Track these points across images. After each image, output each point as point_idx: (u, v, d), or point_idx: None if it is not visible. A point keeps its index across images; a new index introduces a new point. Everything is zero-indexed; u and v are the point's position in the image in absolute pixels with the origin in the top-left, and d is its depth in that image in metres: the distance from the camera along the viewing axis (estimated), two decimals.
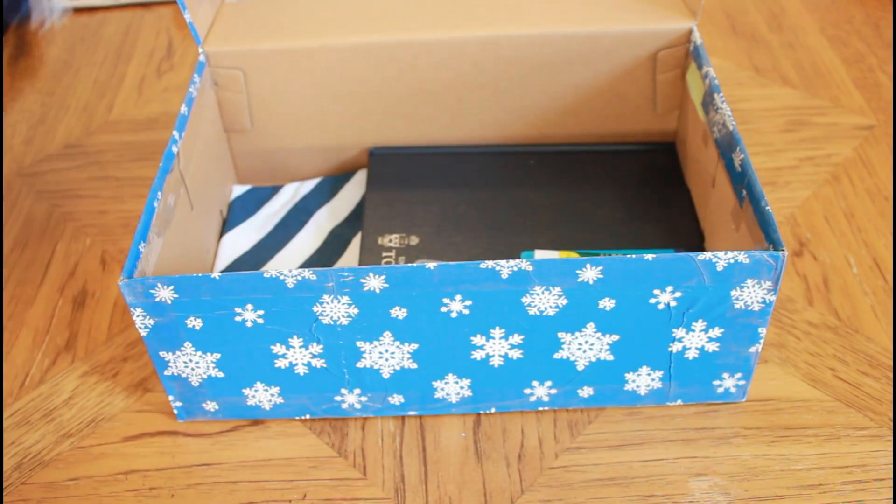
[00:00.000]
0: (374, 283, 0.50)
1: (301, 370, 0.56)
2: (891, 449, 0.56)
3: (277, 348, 0.54)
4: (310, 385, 0.57)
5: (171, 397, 0.58)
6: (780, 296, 0.66)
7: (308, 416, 0.59)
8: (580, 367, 0.56)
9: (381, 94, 0.73)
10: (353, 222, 0.72)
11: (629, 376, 0.57)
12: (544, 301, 0.52)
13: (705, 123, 0.64)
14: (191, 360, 0.55)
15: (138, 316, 0.52)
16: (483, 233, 0.68)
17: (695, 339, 0.54)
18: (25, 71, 0.98)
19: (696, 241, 0.67)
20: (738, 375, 0.57)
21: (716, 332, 0.54)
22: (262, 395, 0.57)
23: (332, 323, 0.52)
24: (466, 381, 0.57)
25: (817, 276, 0.68)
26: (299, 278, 0.50)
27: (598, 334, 0.54)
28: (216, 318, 0.52)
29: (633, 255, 0.50)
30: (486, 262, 0.49)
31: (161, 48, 1.00)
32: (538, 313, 0.52)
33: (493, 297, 0.51)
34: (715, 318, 0.53)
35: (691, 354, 0.55)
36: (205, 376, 0.56)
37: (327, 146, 0.76)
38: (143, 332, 0.53)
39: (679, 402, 0.59)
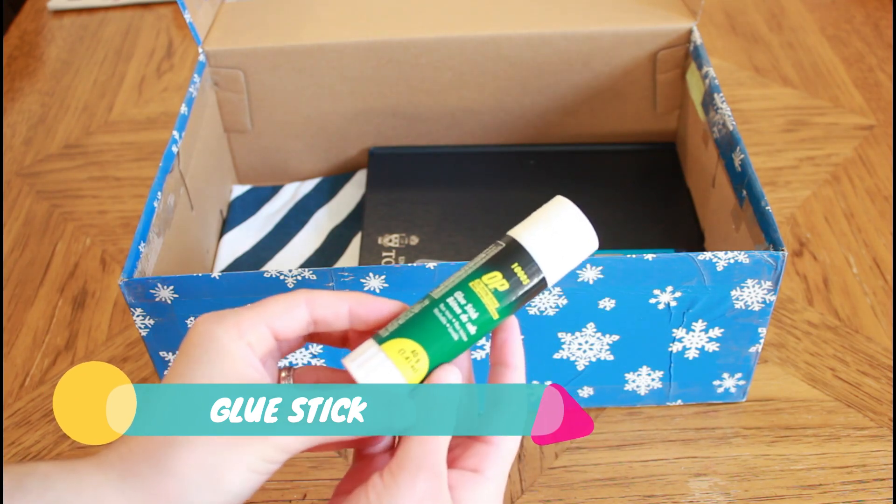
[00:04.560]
0: (374, 283, 0.50)
1: None
2: (891, 449, 0.56)
3: None
4: None
5: None
6: (780, 296, 0.66)
7: None
8: (580, 367, 0.56)
9: (381, 94, 0.73)
10: (353, 222, 0.72)
11: (629, 376, 0.57)
12: (544, 301, 0.52)
13: (705, 123, 0.64)
14: None
15: (138, 316, 0.52)
16: (483, 233, 0.68)
17: (695, 339, 0.54)
18: (25, 71, 0.98)
19: (696, 241, 0.67)
20: (738, 375, 0.57)
21: (716, 332, 0.54)
22: None
23: None
24: None
25: (817, 276, 0.68)
26: (299, 278, 0.50)
27: (598, 334, 0.54)
28: None
29: (633, 255, 0.50)
30: None
31: (161, 48, 1.00)
32: (538, 313, 0.52)
33: None
34: (715, 318, 0.53)
35: (691, 354, 0.55)
36: None
37: (327, 146, 0.76)
38: (143, 332, 0.53)
39: (679, 402, 0.59)
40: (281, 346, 0.42)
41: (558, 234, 0.40)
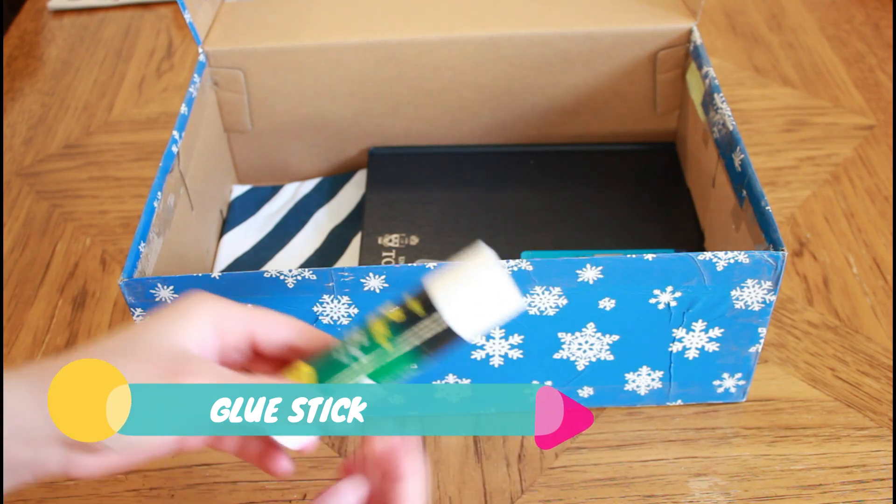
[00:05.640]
0: (374, 283, 0.50)
1: None
2: (891, 449, 0.56)
3: None
4: None
5: None
6: (780, 296, 0.66)
7: None
8: (580, 367, 0.56)
9: (381, 94, 0.73)
10: (353, 222, 0.72)
11: (629, 376, 0.57)
12: (544, 301, 0.52)
13: (705, 123, 0.64)
14: None
15: (138, 316, 0.52)
16: (483, 233, 0.68)
17: (695, 339, 0.54)
18: (25, 71, 0.98)
19: (696, 241, 0.67)
20: (738, 375, 0.57)
21: (716, 332, 0.54)
22: None
23: (332, 323, 0.52)
24: (466, 381, 0.57)
25: (817, 276, 0.68)
26: (299, 278, 0.50)
27: (598, 334, 0.54)
28: None
29: (633, 255, 0.50)
30: None
31: (161, 48, 1.00)
32: (538, 313, 0.52)
33: None
34: (715, 318, 0.53)
35: (691, 354, 0.55)
36: None
37: (327, 146, 0.76)
38: None
39: (679, 402, 0.59)
40: (257, 363, 0.44)
41: (464, 277, 0.39)
